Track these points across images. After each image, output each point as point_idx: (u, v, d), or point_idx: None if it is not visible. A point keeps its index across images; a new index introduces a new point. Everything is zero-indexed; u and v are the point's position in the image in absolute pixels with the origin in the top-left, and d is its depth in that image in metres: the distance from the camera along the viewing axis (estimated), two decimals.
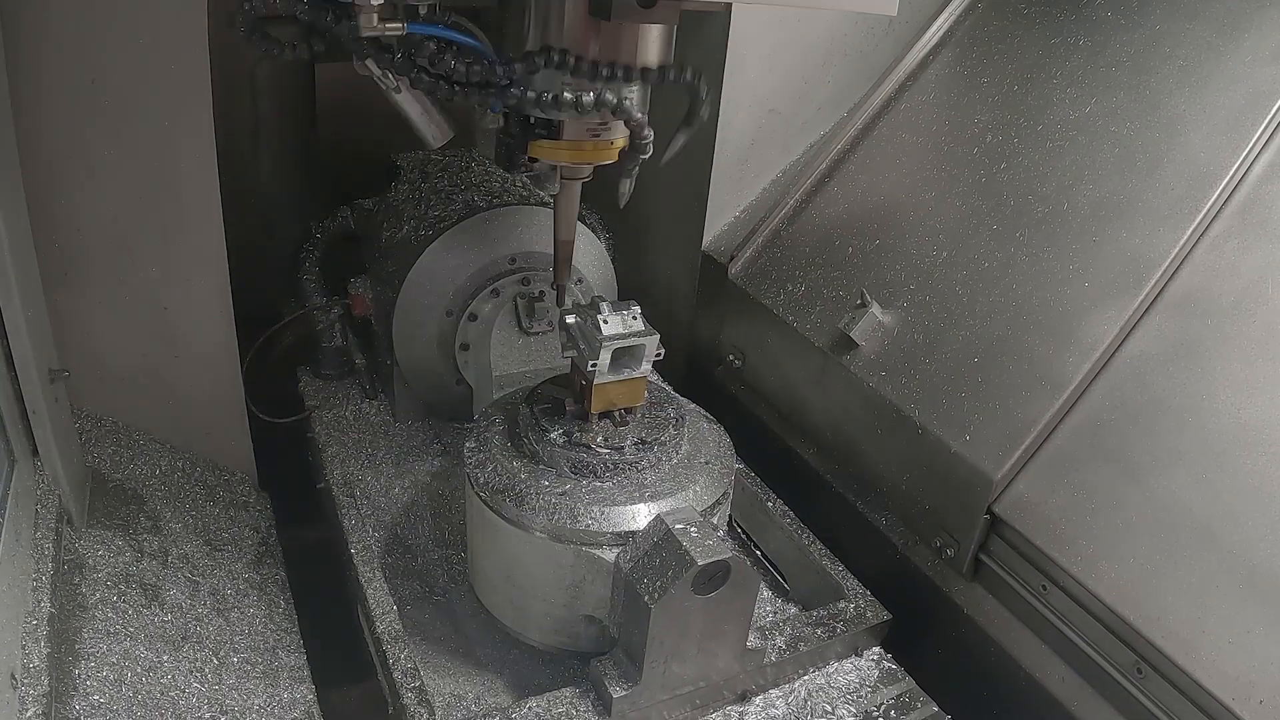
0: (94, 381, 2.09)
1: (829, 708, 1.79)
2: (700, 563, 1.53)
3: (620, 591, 1.65)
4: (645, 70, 1.52)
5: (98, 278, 2.02)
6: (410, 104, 1.64)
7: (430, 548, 2.14)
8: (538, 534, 1.68)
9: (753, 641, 1.73)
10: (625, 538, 1.65)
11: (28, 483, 1.74)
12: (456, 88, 1.49)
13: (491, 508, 1.73)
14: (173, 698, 1.68)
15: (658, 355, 1.75)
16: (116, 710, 1.57)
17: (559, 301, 1.88)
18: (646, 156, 1.64)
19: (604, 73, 1.48)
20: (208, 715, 1.70)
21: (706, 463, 1.82)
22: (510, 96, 1.48)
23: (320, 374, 2.64)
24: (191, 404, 2.24)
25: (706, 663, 1.68)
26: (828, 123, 2.72)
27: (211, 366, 2.23)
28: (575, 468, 1.73)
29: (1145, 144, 2.02)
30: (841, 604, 1.91)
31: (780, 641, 1.81)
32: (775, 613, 2.07)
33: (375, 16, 1.35)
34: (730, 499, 1.88)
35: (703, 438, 1.89)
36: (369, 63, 1.50)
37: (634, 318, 1.72)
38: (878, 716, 1.78)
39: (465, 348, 2.28)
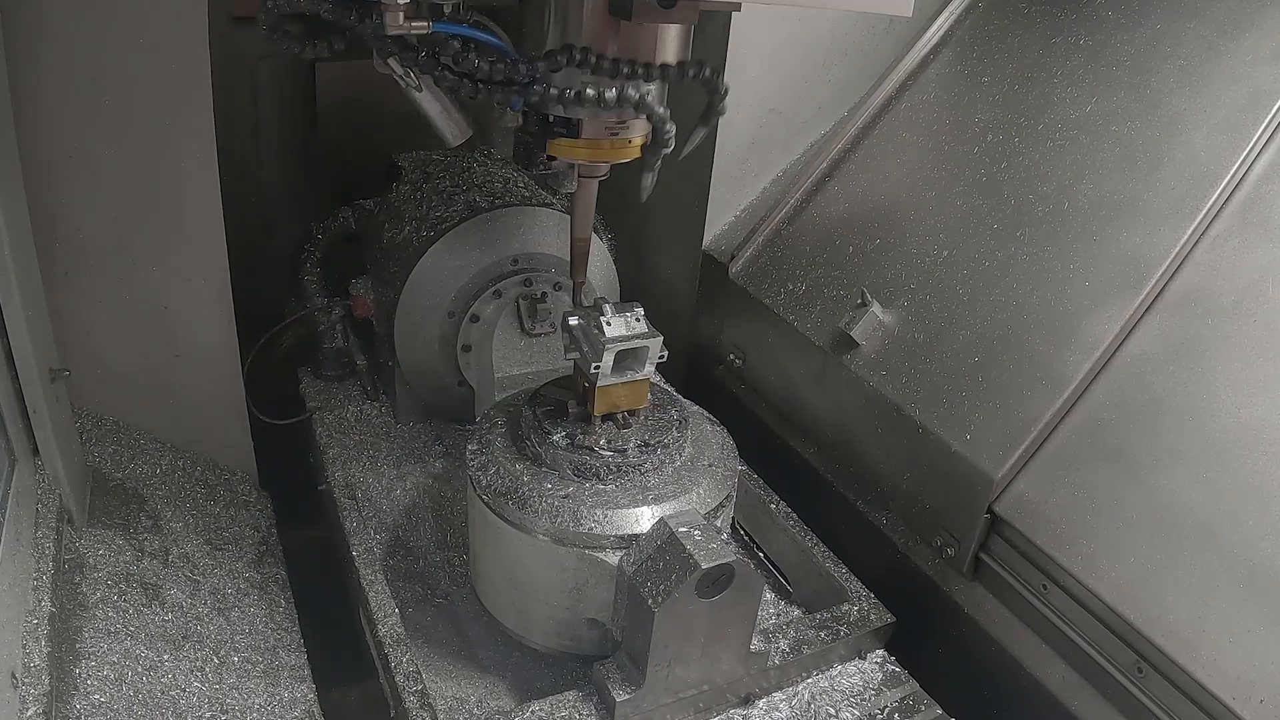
0: (95, 381, 2.09)
1: (832, 711, 1.78)
2: (704, 566, 1.52)
3: (623, 595, 1.64)
4: (665, 67, 1.53)
5: (98, 277, 2.02)
6: (430, 103, 1.64)
7: (432, 550, 2.13)
8: (540, 537, 1.68)
9: (756, 645, 1.73)
10: (628, 541, 1.65)
11: (28, 482, 1.74)
12: (480, 86, 1.50)
13: (494, 510, 1.72)
14: (173, 697, 1.68)
15: (661, 357, 1.74)
16: (117, 709, 1.57)
17: (575, 299, 1.88)
18: (668, 150, 1.64)
19: (625, 70, 1.49)
20: (208, 714, 1.70)
21: (710, 465, 1.81)
22: (533, 94, 1.50)
23: (321, 375, 2.63)
24: (192, 403, 2.24)
25: (710, 666, 1.68)
26: (828, 122, 2.72)
27: (212, 366, 2.23)
28: (578, 470, 1.72)
29: (1146, 143, 2.02)
30: (845, 607, 1.91)
31: (784, 644, 1.80)
32: (778, 615, 2.07)
33: (401, 15, 1.36)
34: (734, 502, 1.88)
35: (706, 440, 1.88)
36: (391, 61, 1.50)
37: (637, 320, 1.71)
38: (881, 719, 1.78)
39: (467, 349, 2.28)
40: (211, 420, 2.29)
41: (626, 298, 1.81)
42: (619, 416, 1.77)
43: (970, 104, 2.38)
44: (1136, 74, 2.12)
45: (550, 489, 1.69)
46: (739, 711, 1.78)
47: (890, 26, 2.64)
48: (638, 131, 1.64)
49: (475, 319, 2.24)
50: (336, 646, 2.05)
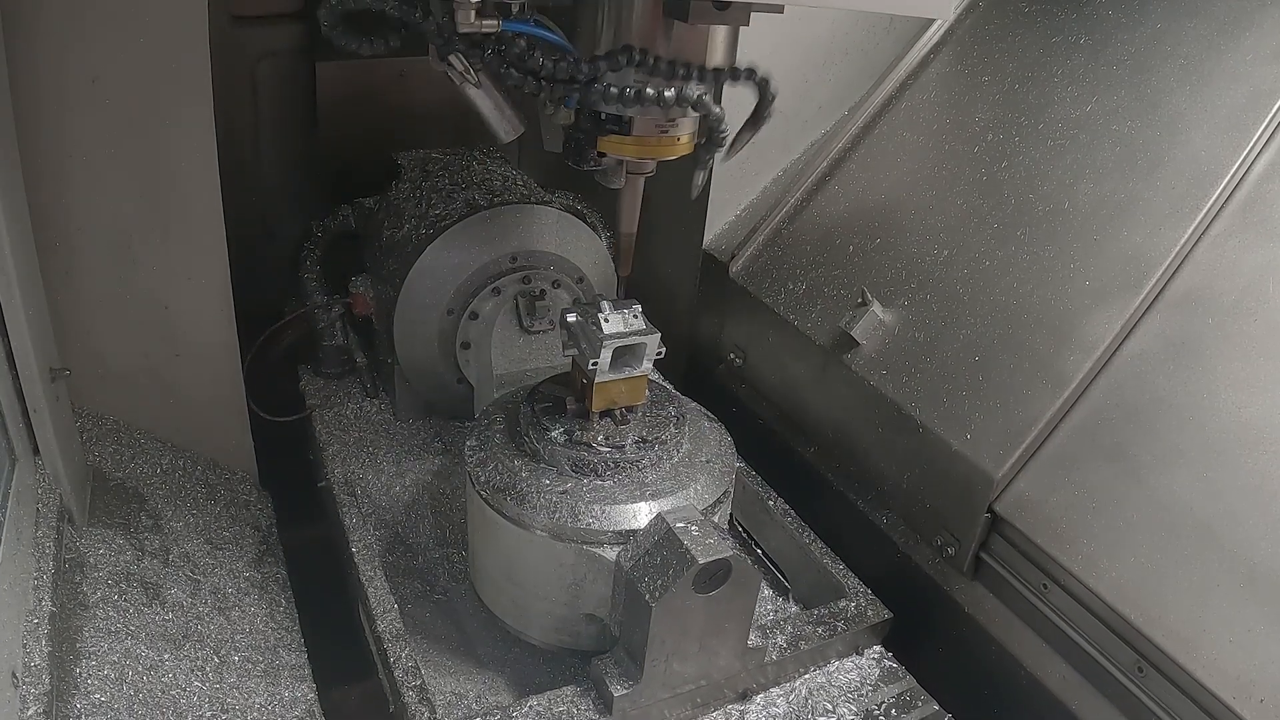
0: (95, 380, 2.09)
1: (830, 706, 1.79)
2: (701, 561, 1.53)
3: (621, 590, 1.65)
4: (718, 70, 1.58)
5: (99, 276, 2.02)
6: (483, 100, 1.65)
7: (431, 546, 2.14)
8: (539, 532, 1.68)
9: (754, 640, 1.73)
10: (626, 536, 1.65)
11: (29, 481, 1.74)
12: (542, 83, 1.53)
13: (492, 506, 1.73)
14: (174, 696, 1.68)
15: (659, 354, 1.75)
16: (117, 709, 1.57)
17: (618, 293, 1.89)
18: (722, 150, 1.68)
19: (681, 72, 1.53)
20: (208, 714, 1.70)
21: (707, 461, 1.81)
22: (594, 92, 1.53)
23: (321, 372, 2.64)
24: (192, 402, 2.24)
25: (707, 661, 1.68)
26: (829, 121, 2.72)
27: (212, 365, 2.23)
28: (576, 466, 1.73)
29: (1146, 142, 2.02)
30: (842, 603, 1.91)
31: (781, 640, 1.81)
32: (776, 611, 2.07)
33: (473, 13, 1.39)
34: (731, 498, 1.88)
35: (704, 436, 1.89)
36: (453, 58, 1.52)
37: (635, 316, 1.72)
38: (879, 715, 1.78)
39: (466, 346, 2.28)
40: (212, 419, 2.29)
41: (627, 297, 1.81)
42: (617, 413, 1.78)
43: (970, 103, 2.38)
44: (1137, 73, 2.12)
45: (548, 485, 1.70)
46: (736, 707, 1.78)
47: (891, 26, 2.64)
48: (685, 129, 1.67)
49: (474, 316, 2.25)
50: (337, 646, 2.05)
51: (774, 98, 1.69)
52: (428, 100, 2.80)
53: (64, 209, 1.93)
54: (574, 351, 1.75)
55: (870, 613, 1.89)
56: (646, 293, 2.82)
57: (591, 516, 1.66)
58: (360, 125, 2.77)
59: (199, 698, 1.71)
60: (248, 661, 1.86)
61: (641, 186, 1.80)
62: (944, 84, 2.51)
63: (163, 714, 1.63)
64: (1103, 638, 1.68)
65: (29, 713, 1.39)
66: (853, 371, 2.16)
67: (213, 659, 1.81)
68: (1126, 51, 2.17)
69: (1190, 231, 1.86)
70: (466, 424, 1.91)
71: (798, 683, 1.83)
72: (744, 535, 2.24)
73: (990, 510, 1.86)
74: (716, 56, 1.59)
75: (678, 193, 2.68)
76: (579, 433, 1.75)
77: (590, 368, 1.69)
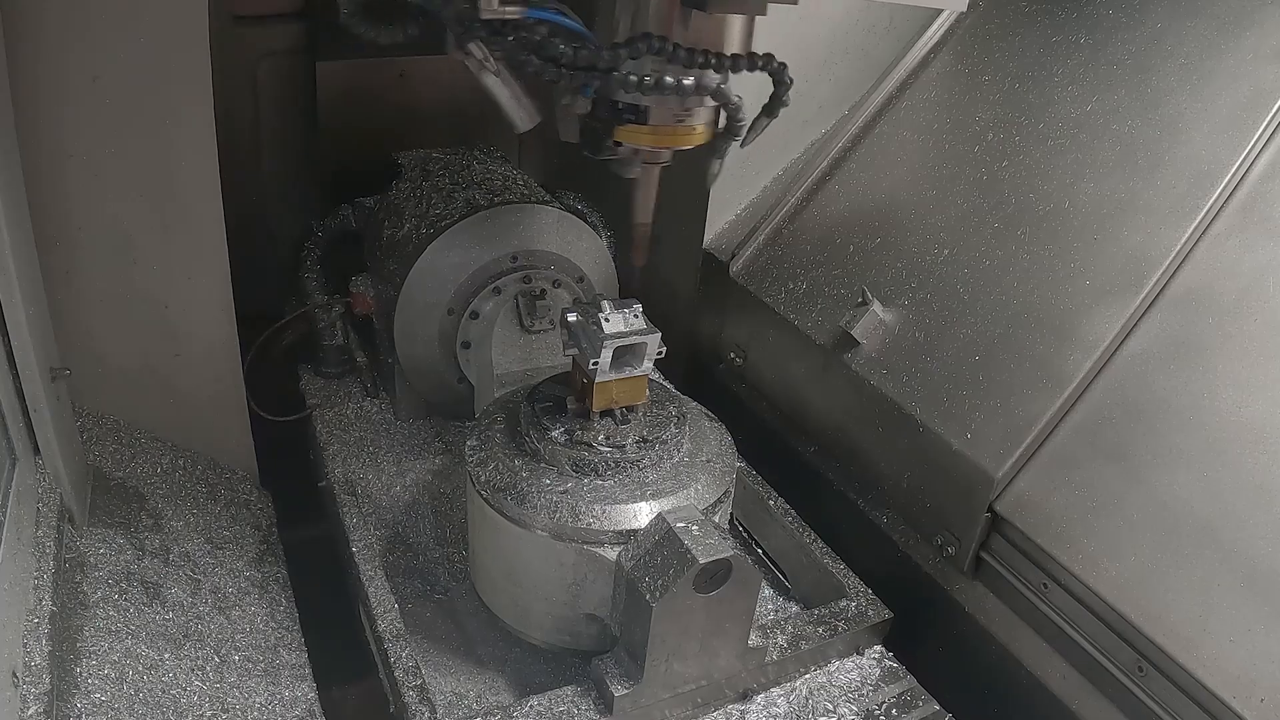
0: (95, 380, 2.09)
1: (830, 706, 1.79)
2: (702, 561, 1.53)
3: (622, 590, 1.65)
4: (736, 58, 1.57)
5: (99, 276, 2.02)
6: (500, 88, 1.65)
7: (431, 546, 2.14)
8: (539, 532, 1.68)
9: (754, 640, 1.73)
10: (627, 536, 1.65)
11: (29, 481, 1.74)
12: (562, 71, 1.52)
13: (493, 506, 1.73)
14: (174, 696, 1.68)
15: (659, 353, 1.75)
16: (118, 708, 1.57)
17: (636, 283, 1.88)
18: (739, 139, 1.69)
19: (700, 60, 1.52)
20: (209, 713, 1.70)
21: (708, 461, 1.81)
22: (613, 80, 1.52)
23: (321, 372, 2.64)
24: (193, 402, 2.24)
25: (708, 661, 1.68)
26: (829, 121, 2.71)
27: (213, 364, 2.23)
28: (577, 466, 1.73)
29: (1146, 142, 2.02)
30: (843, 603, 1.91)
31: (782, 640, 1.81)
32: (777, 611, 2.07)
33: (495, 0, 1.39)
34: (732, 497, 1.88)
35: (704, 436, 1.89)
36: (474, 46, 1.51)
37: (635, 316, 1.72)
38: (879, 715, 1.78)
39: (467, 346, 2.28)
40: (212, 419, 2.29)
41: (627, 296, 1.81)
42: (617, 412, 1.78)
43: (971, 103, 2.38)
44: (1137, 73, 2.12)
45: (549, 485, 1.70)
46: (737, 707, 1.78)
47: (891, 25, 2.64)
48: (701, 119, 1.66)
49: (475, 316, 2.25)
50: (337, 645, 2.05)
51: (790, 84, 1.69)
52: (428, 100, 2.81)
53: (64, 209, 1.92)
54: (574, 351, 1.75)
55: (871, 612, 1.89)
56: (647, 292, 2.82)
57: (592, 516, 1.66)
58: (360, 125, 2.77)
59: (199, 697, 1.71)
60: (248, 661, 1.86)
61: (657, 176, 1.79)
62: (944, 83, 2.51)
63: (163, 713, 1.63)
64: (1103, 637, 1.68)
65: (29, 712, 1.39)
66: (853, 371, 2.16)
67: (213, 658, 1.81)
68: (1127, 51, 2.17)
69: (1191, 231, 1.86)
70: (467, 424, 1.92)
71: (798, 683, 1.83)
72: (745, 535, 2.24)
73: (991, 509, 1.86)
74: (734, 44, 1.59)
75: (678, 192, 2.68)
76: (579, 432, 1.75)
77: (591, 367, 1.69)
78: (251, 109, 2.68)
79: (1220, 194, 1.87)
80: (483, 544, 1.85)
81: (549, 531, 1.67)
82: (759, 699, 1.80)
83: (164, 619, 1.82)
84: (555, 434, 1.75)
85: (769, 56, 1.62)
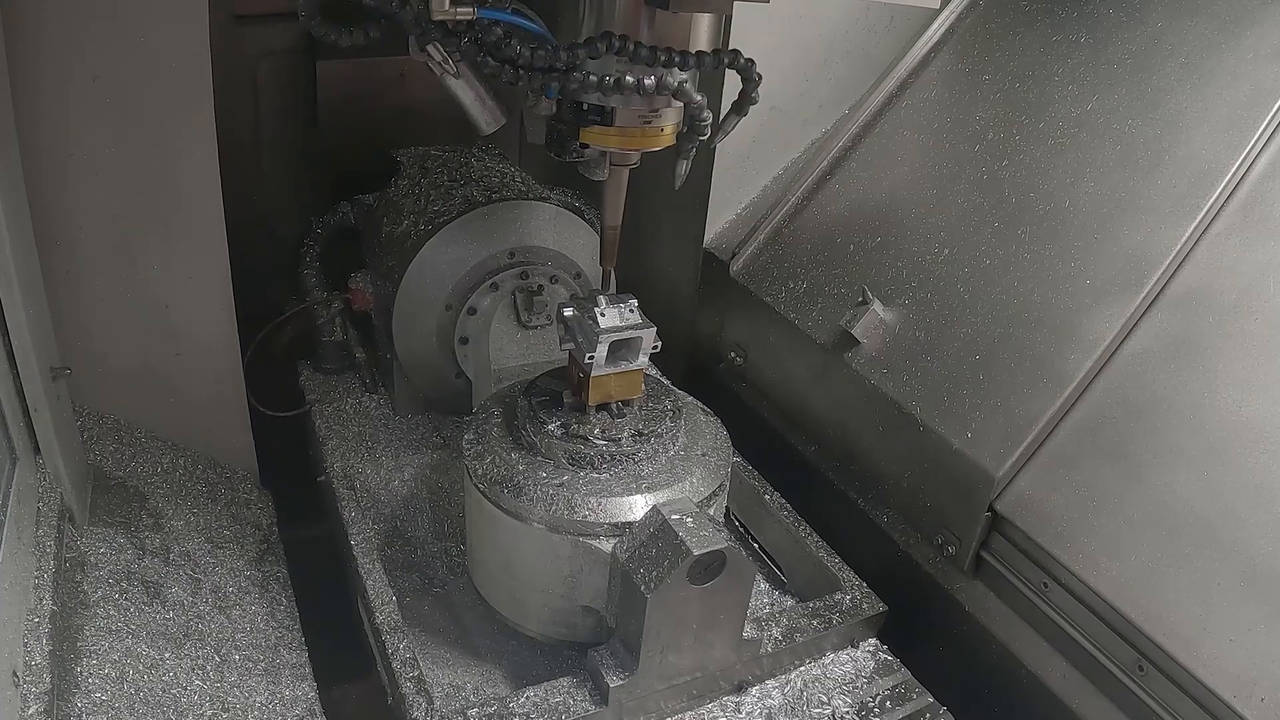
0: (95, 379, 2.09)
1: (825, 699, 1.79)
2: (696, 553, 1.54)
3: (617, 582, 1.66)
4: (701, 55, 1.54)
5: (99, 275, 2.02)
6: (464, 90, 1.65)
7: (429, 540, 2.15)
8: (535, 525, 1.69)
9: (749, 632, 1.74)
10: (622, 529, 1.66)
11: (29, 480, 1.74)
12: (520, 72, 1.51)
13: (490, 499, 1.74)
14: (174, 695, 1.68)
15: (655, 348, 1.76)
16: (118, 708, 1.58)
17: (604, 286, 1.88)
18: (704, 138, 1.66)
19: (663, 58, 1.50)
20: (209, 713, 1.70)
21: (703, 455, 1.82)
22: (573, 81, 1.51)
23: (321, 368, 2.65)
24: (193, 401, 2.24)
25: (703, 653, 1.69)
26: (829, 120, 2.71)
27: (213, 364, 2.23)
28: (573, 459, 1.74)
29: (1147, 141, 2.02)
30: (838, 595, 1.92)
31: (776, 632, 1.81)
32: (772, 604, 2.08)
33: (447, 1, 1.38)
34: (727, 491, 1.89)
35: (700, 430, 1.90)
36: (431, 48, 1.51)
37: (631, 310, 1.73)
38: (873, 707, 1.78)
39: (464, 341, 2.29)
40: (212, 418, 2.29)
41: (623, 293, 1.81)
42: (613, 406, 1.79)
43: (971, 102, 2.38)
44: (1137, 72, 2.12)
45: (545, 477, 1.71)
46: (732, 699, 1.79)
47: (891, 25, 2.64)
48: (669, 120, 1.65)
49: (472, 311, 2.26)
50: (337, 644, 2.05)
51: (759, 81, 1.67)
52: (428, 99, 2.80)
53: (64, 208, 1.93)
54: (571, 345, 1.76)
55: (865, 606, 1.90)
56: (647, 291, 2.82)
57: (588, 509, 1.67)
58: (361, 124, 2.77)
59: (199, 696, 1.71)
60: (248, 660, 1.86)
61: (625, 179, 1.79)
62: (944, 83, 2.51)
63: (163, 712, 1.63)
64: (1103, 636, 1.68)
65: (30, 711, 1.39)
66: (853, 370, 2.16)
67: (213, 658, 1.81)
68: (1127, 50, 2.17)
69: (1191, 230, 1.86)
70: (465, 419, 1.93)
71: (793, 675, 1.84)
72: (741, 529, 2.25)
73: (991, 509, 1.86)
74: (700, 42, 1.57)
75: (678, 191, 2.68)
76: (576, 426, 1.76)
77: (587, 361, 1.71)
78: (251, 109, 2.68)
79: (1220, 193, 1.87)
80: (480, 537, 1.86)
81: (545, 524, 1.68)
82: (754, 691, 1.80)
83: (164, 618, 1.82)
84: (552, 427, 1.76)
85: (735, 53, 1.60)
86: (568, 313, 1.76)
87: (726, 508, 2.04)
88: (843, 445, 2.26)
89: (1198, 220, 1.86)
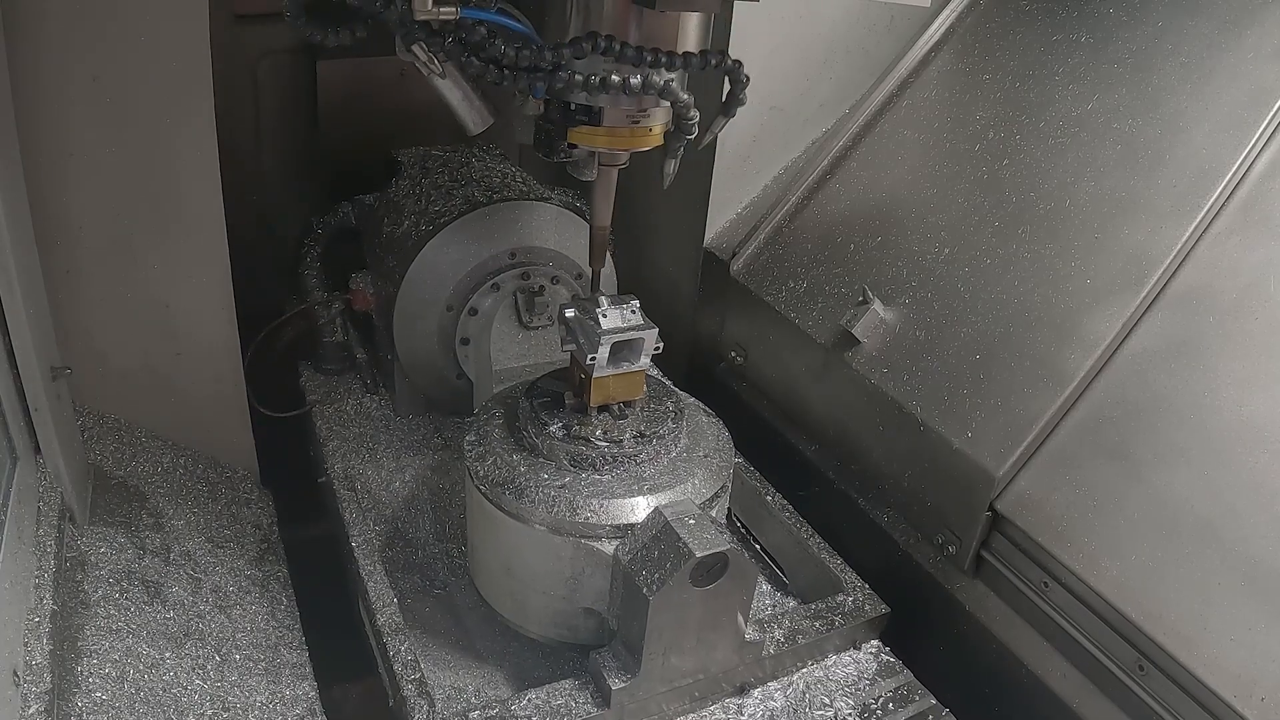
0: (96, 379, 2.09)
1: (827, 700, 1.79)
2: (698, 555, 1.53)
3: (619, 583, 1.65)
4: (688, 55, 1.54)
5: (99, 275, 2.02)
6: (451, 90, 1.64)
7: (431, 541, 2.15)
8: (537, 526, 1.69)
9: (751, 634, 1.73)
10: (624, 530, 1.66)
11: (30, 480, 1.74)
12: (505, 72, 1.50)
13: (491, 500, 1.74)
14: (175, 695, 1.68)
15: (656, 349, 1.75)
16: (119, 707, 1.58)
17: (592, 287, 1.88)
18: (692, 137, 1.65)
19: (649, 58, 1.50)
20: (209, 712, 1.70)
21: (705, 456, 1.82)
22: (558, 80, 1.50)
23: (321, 369, 2.65)
24: (193, 401, 2.24)
25: (705, 655, 1.69)
26: (829, 120, 2.71)
27: (213, 363, 2.23)
28: (574, 461, 1.73)
29: (1147, 141, 2.01)
30: (840, 597, 1.92)
31: (778, 634, 1.81)
32: (774, 606, 2.07)
33: (430, 0, 1.37)
34: (729, 492, 1.88)
35: (701, 431, 1.89)
36: (416, 48, 1.50)
37: (632, 311, 1.73)
38: (876, 709, 1.78)
39: (465, 342, 2.29)
40: (213, 418, 2.29)
41: (626, 294, 1.81)
42: (615, 407, 1.79)
43: (971, 101, 2.38)
44: (1138, 71, 2.12)
45: (547, 479, 1.71)
46: (734, 701, 1.79)
47: (891, 24, 2.64)
48: (658, 120, 1.65)
49: (473, 312, 2.26)
50: (338, 644, 2.05)
51: (747, 83, 1.66)
52: (429, 99, 2.78)
53: (65, 208, 1.93)
54: (572, 346, 1.75)
55: (868, 607, 1.90)
56: (648, 291, 2.81)
57: (589, 510, 1.67)
58: (361, 124, 2.77)
59: (200, 696, 1.71)
60: (249, 660, 1.86)
61: (614, 179, 1.78)
62: (945, 82, 2.51)
63: (164, 712, 1.63)
64: (1104, 636, 1.68)
65: (30, 711, 1.39)
66: (854, 370, 2.16)
67: (214, 657, 1.81)
68: (1127, 49, 2.17)
69: (1191, 230, 1.86)
70: (466, 419, 1.92)
71: (795, 677, 1.84)
72: (743, 530, 2.25)
73: (991, 508, 1.86)
74: (688, 43, 1.56)
75: (678, 191, 2.68)
76: (577, 427, 1.75)
77: (588, 362, 1.70)
78: (252, 108, 2.68)
79: (1221, 193, 1.87)
80: (481, 538, 1.86)
81: (547, 526, 1.68)
82: (756, 693, 1.80)
83: (165, 618, 1.82)
84: (553, 429, 1.75)
85: (723, 54, 1.59)
86: (569, 314, 1.75)
87: (728, 509, 2.04)
88: (843, 445, 2.26)
89: (1198, 220, 1.86)
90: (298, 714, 1.81)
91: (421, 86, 2.82)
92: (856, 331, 2.14)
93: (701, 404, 2.01)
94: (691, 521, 1.60)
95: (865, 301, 2.16)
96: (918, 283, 2.17)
